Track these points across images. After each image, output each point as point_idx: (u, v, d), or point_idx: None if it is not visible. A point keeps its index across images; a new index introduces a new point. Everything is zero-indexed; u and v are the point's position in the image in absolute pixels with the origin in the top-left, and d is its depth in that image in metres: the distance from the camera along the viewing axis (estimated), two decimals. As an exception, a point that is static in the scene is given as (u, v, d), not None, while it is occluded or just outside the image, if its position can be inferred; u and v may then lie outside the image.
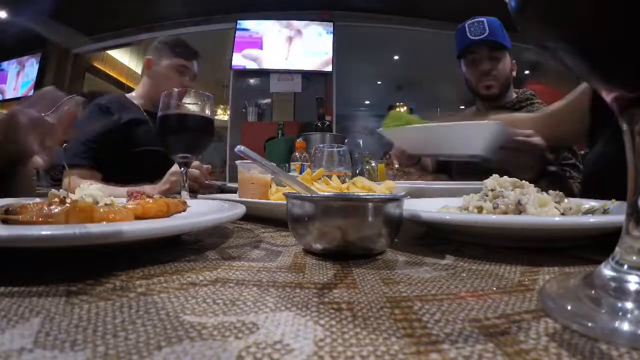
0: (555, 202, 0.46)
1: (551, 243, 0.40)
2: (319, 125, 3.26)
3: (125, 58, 5.38)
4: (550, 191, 0.48)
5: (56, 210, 0.34)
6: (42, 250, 0.33)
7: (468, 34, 1.46)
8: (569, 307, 0.21)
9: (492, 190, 0.49)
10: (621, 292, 0.21)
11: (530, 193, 0.45)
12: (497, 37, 1.43)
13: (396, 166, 1.40)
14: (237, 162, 0.79)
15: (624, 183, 0.23)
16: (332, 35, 4.50)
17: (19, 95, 4.96)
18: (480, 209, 0.48)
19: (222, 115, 5.19)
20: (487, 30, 1.43)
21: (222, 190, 1.27)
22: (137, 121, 1.43)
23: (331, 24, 4.51)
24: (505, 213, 0.45)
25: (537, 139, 0.87)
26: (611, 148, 0.72)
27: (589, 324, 0.19)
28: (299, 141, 1.60)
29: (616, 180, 0.47)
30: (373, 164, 1.80)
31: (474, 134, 0.81)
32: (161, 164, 1.19)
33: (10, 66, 5.12)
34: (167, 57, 1.51)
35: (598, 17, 0.19)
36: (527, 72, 5.37)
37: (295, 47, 4.52)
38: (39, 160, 0.68)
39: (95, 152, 1.33)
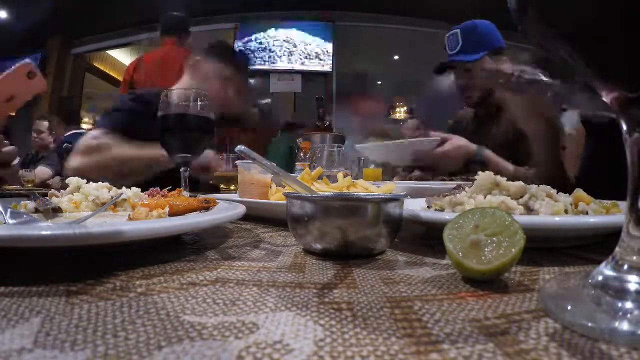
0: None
1: (551, 243, 0.40)
2: (319, 125, 3.26)
3: (125, 58, 5.37)
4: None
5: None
6: (43, 250, 0.33)
7: (447, 48, 1.43)
8: (569, 307, 0.21)
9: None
10: (621, 292, 0.21)
11: (540, 198, 0.43)
12: (468, 49, 1.38)
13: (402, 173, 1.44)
14: (238, 162, 0.79)
15: (616, 184, 0.23)
16: (332, 36, 4.49)
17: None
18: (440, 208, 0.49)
19: (222, 115, 5.19)
20: (460, 42, 1.39)
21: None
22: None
23: (331, 24, 4.51)
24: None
25: (456, 145, 1.20)
26: (600, 151, 0.74)
27: (589, 324, 0.19)
28: (304, 141, 1.61)
29: (608, 181, 0.47)
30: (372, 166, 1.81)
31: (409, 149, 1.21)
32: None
33: (10, 66, 5.11)
34: (218, 64, 1.42)
35: (598, 17, 0.19)
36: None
37: (295, 47, 4.52)
38: None
39: (127, 128, 1.28)
